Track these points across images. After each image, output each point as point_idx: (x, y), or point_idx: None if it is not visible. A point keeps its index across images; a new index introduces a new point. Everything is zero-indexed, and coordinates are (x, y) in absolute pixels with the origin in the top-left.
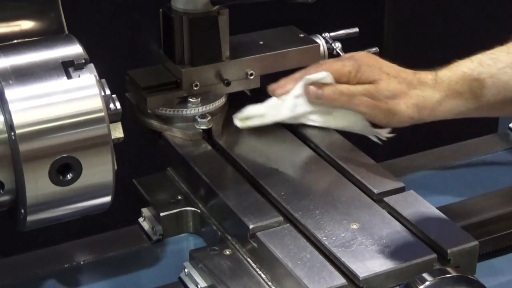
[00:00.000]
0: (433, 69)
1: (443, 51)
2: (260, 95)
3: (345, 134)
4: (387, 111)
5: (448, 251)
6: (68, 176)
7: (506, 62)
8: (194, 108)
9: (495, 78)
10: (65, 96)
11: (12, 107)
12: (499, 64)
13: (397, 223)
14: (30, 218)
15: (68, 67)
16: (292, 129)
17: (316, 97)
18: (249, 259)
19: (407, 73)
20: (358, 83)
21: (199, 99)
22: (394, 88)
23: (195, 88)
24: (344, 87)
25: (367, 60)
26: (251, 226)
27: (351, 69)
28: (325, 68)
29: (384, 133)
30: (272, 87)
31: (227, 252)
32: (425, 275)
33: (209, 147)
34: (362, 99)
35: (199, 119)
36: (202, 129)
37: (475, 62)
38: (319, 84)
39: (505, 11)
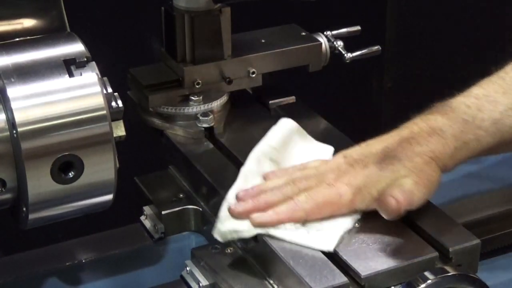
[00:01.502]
0: (432, 100)
1: (445, 50)
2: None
3: (347, 133)
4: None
5: (450, 249)
6: (70, 174)
7: (506, 104)
8: (196, 106)
9: (499, 124)
10: (67, 94)
11: (14, 105)
12: (499, 107)
13: (399, 221)
14: (32, 216)
15: (70, 65)
16: None
17: None
18: (251, 258)
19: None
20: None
21: (201, 97)
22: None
23: (197, 86)
24: None
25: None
26: None
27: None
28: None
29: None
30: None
31: (229, 251)
32: (426, 273)
33: (211, 145)
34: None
35: (201, 117)
36: (204, 127)
37: (472, 107)
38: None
39: (506, 10)
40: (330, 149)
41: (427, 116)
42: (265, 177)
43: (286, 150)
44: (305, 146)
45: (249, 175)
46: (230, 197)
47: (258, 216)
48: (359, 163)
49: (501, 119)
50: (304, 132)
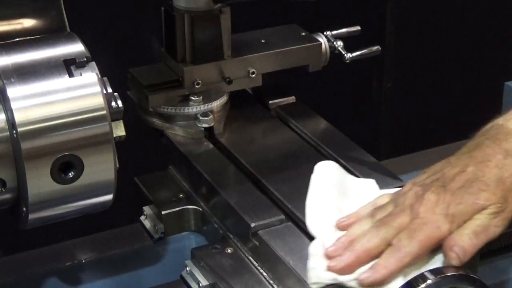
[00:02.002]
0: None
1: (445, 50)
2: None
3: (347, 133)
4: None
5: None
6: (70, 174)
7: None
8: (196, 106)
9: None
10: (67, 94)
11: (14, 105)
12: None
13: None
14: (31, 216)
15: (70, 65)
16: (295, 128)
17: None
18: (250, 257)
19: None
20: None
21: (200, 97)
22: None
23: (196, 86)
24: None
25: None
26: (252, 224)
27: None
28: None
29: None
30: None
31: (229, 251)
32: (426, 273)
33: (211, 146)
34: None
35: (200, 117)
36: (203, 127)
37: None
38: None
39: (507, 10)
40: (373, 181)
41: (495, 136)
42: (341, 225)
43: (338, 192)
44: (352, 184)
45: (321, 228)
46: (314, 251)
47: (367, 277)
48: (439, 189)
49: None
50: (342, 170)
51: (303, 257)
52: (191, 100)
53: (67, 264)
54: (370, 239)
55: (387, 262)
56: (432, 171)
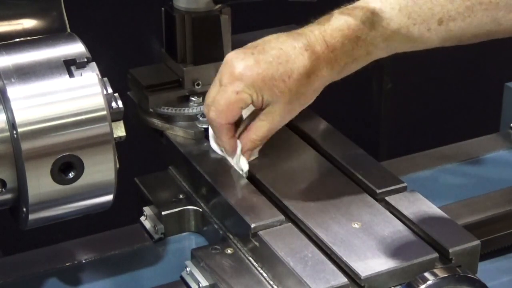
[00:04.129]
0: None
1: (445, 50)
2: None
3: (347, 134)
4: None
5: (450, 250)
6: (70, 174)
7: (399, 22)
8: (196, 107)
9: (389, 40)
10: (67, 94)
11: (14, 105)
12: (392, 25)
13: (399, 222)
14: (32, 216)
15: (70, 65)
16: (295, 128)
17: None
18: (250, 258)
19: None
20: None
21: (201, 98)
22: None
23: (197, 87)
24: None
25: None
26: (252, 225)
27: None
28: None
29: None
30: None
31: (229, 251)
32: (426, 274)
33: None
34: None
35: (201, 118)
36: (204, 128)
37: (367, 23)
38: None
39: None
40: None
41: (324, 27)
42: None
43: None
44: None
45: None
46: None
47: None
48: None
49: (392, 37)
50: None
51: (303, 258)
52: (191, 100)
53: (67, 264)
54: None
55: (220, 141)
56: (261, 40)
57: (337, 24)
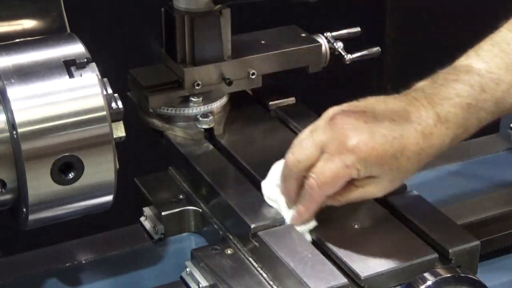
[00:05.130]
0: (430, 76)
1: (445, 50)
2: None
3: None
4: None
5: (450, 250)
6: (70, 175)
7: (509, 81)
8: (196, 108)
9: (500, 102)
10: (67, 95)
11: (14, 105)
12: (502, 86)
13: (399, 222)
14: (31, 217)
15: (70, 66)
16: (294, 128)
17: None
18: (250, 259)
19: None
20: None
21: (201, 99)
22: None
23: (197, 87)
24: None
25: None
26: (252, 226)
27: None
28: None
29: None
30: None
31: (229, 251)
32: (426, 274)
33: (211, 147)
34: None
35: (200, 118)
36: (204, 129)
37: (476, 87)
38: None
39: (507, 10)
40: None
41: (432, 96)
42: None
43: None
44: None
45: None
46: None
47: (295, 221)
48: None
49: (503, 98)
50: None
51: (303, 258)
52: (191, 101)
53: (67, 264)
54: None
55: (305, 206)
56: (365, 102)
57: (446, 92)
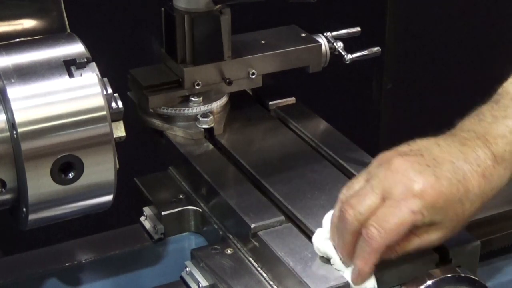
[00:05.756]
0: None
1: (445, 50)
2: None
3: (347, 134)
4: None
5: (450, 250)
6: (70, 174)
7: None
8: (196, 107)
9: None
10: (67, 94)
11: (14, 105)
12: None
13: None
14: (31, 216)
15: (70, 65)
16: (295, 128)
17: None
18: (250, 258)
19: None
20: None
21: (201, 98)
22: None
23: (197, 87)
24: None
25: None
26: (252, 225)
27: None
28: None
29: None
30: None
31: (229, 251)
32: (426, 274)
33: (211, 146)
34: None
35: (201, 118)
36: (204, 128)
37: None
38: None
39: (507, 10)
40: None
41: (484, 135)
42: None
43: None
44: None
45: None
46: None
47: (354, 282)
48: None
49: None
50: None
51: (303, 258)
52: (191, 101)
53: (67, 264)
54: (344, 236)
55: (363, 260)
56: (417, 145)
57: (498, 130)
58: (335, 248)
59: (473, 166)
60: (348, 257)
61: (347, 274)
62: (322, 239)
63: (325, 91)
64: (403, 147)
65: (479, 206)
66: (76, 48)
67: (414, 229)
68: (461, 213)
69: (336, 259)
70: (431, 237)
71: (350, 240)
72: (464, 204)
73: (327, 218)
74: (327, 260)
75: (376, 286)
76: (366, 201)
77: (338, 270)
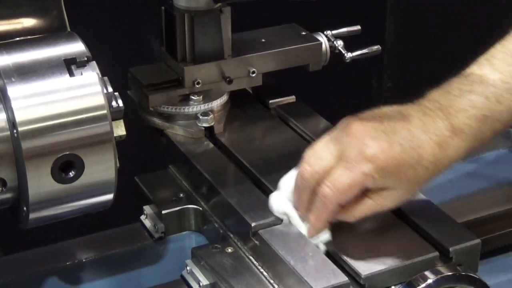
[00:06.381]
0: (434, 89)
1: (445, 50)
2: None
3: None
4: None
5: (450, 249)
6: (71, 173)
7: None
8: (196, 106)
9: None
10: (68, 93)
11: (14, 104)
12: None
13: (399, 221)
14: (32, 215)
15: (70, 64)
16: (295, 127)
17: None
18: (251, 257)
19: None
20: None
21: (201, 97)
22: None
23: (197, 86)
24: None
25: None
26: (253, 224)
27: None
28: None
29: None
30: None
31: (229, 250)
32: (427, 273)
33: (211, 145)
34: None
35: (201, 117)
36: (204, 127)
37: (491, 98)
38: None
39: (507, 10)
40: None
41: (446, 108)
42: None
43: None
44: None
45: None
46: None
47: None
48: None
49: None
50: None
51: (304, 257)
52: (191, 99)
53: (67, 263)
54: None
55: (317, 216)
56: (380, 112)
57: (461, 104)
58: (294, 207)
59: (430, 135)
60: (305, 212)
61: (303, 229)
62: (281, 200)
63: (325, 89)
64: (366, 113)
65: (434, 173)
66: (77, 47)
67: (368, 193)
68: (414, 178)
69: (294, 216)
70: (386, 201)
71: (307, 197)
72: (417, 170)
73: (284, 181)
74: (327, 258)
75: (330, 239)
76: (323, 161)
77: (295, 226)
